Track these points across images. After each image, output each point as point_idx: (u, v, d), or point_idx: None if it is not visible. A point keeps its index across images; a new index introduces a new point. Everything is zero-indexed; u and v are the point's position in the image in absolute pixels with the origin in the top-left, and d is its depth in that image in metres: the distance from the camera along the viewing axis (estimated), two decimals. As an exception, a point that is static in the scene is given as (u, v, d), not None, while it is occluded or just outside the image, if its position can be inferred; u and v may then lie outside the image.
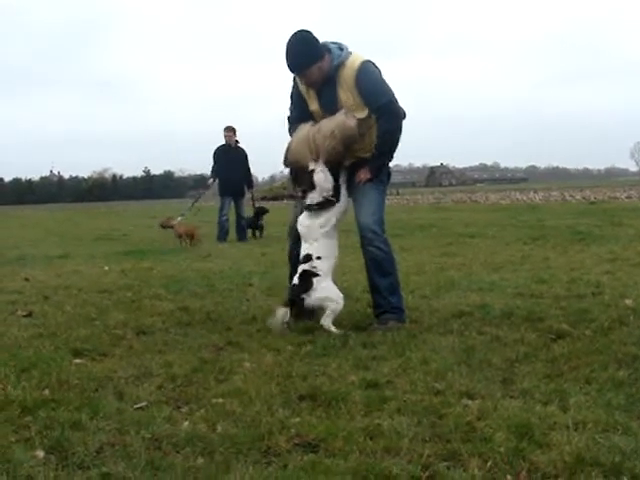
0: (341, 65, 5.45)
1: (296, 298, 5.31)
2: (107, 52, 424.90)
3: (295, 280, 5.41)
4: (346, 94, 5.44)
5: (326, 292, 5.32)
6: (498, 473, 2.70)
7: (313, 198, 5.49)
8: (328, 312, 5.26)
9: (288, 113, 5.88)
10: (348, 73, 5.42)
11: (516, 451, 2.84)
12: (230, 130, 16.04)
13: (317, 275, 5.34)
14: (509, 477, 2.65)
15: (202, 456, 2.95)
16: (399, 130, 5.55)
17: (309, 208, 5.51)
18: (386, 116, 5.45)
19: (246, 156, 16.19)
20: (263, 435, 3.12)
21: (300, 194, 5.65)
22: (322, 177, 5.45)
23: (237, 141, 16.07)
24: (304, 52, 5.39)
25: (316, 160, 5.46)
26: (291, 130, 5.73)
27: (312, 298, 5.29)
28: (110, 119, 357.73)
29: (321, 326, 5.23)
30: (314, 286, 5.30)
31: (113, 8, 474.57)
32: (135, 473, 2.78)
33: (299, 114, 5.73)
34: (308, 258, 5.43)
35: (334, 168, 5.55)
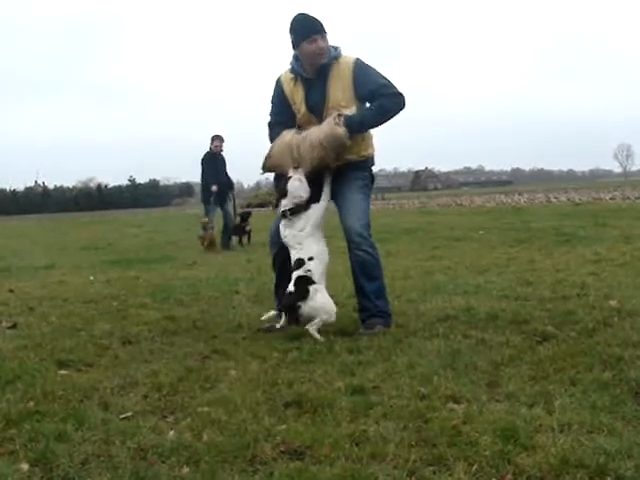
0: (334, 60, 5.53)
1: (292, 305, 5.28)
2: (93, 61, 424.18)
3: (290, 287, 5.37)
4: (337, 88, 5.48)
5: (321, 303, 5.31)
6: (484, 477, 2.70)
7: (285, 205, 5.50)
8: (317, 320, 5.25)
9: (268, 118, 5.87)
10: (343, 67, 5.51)
11: (502, 454, 2.85)
12: (220, 140, 16.15)
13: (313, 282, 5.33)
14: (495, 480, 2.65)
15: (187, 465, 2.94)
16: (397, 111, 5.54)
17: (283, 215, 5.51)
18: (387, 97, 5.48)
19: (225, 162, 16.28)
20: (249, 443, 3.11)
21: (275, 202, 5.67)
22: (297, 185, 5.46)
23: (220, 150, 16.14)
24: (318, 19, 5.55)
25: (296, 168, 5.46)
26: (271, 135, 5.73)
27: (308, 306, 5.25)
28: (96, 128, 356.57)
29: (306, 331, 5.22)
30: (310, 294, 5.28)
31: (100, 18, 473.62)
32: (120, 484, 2.76)
33: (280, 119, 5.74)
34: (300, 263, 5.41)
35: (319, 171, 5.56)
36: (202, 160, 16.09)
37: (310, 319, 5.29)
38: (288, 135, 5.57)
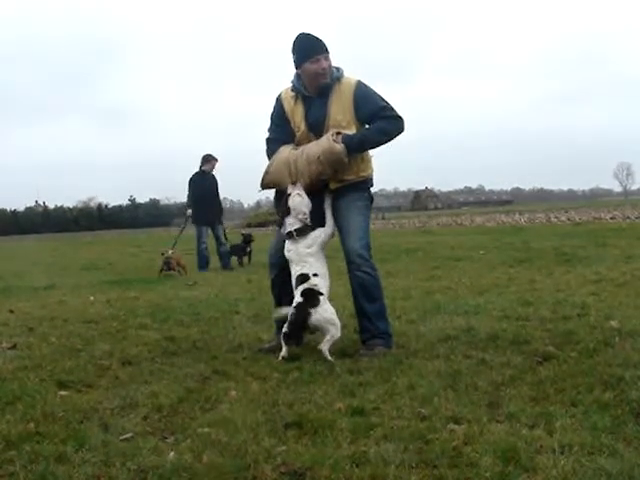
0: (337, 81, 5.56)
1: (302, 316, 5.22)
2: (94, 83, 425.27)
3: (298, 299, 5.31)
4: (337, 109, 5.50)
5: (330, 314, 5.28)
6: (485, 498, 2.69)
7: (291, 224, 5.48)
8: (328, 338, 5.21)
9: (267, 135, 5.89)
10: (344, 88, 5.53)
11: (502, 476, 2.84)
12: (215, 160, 16.01)
13: (321, 293, 5.31)
14: (496, 502, 2.64)
15: (188, 487, 2.93)
16: (396, 134, 5.55)
17: (289, 235, 5.50)
18: (387, 119, 5.50)
19: (217, 184, 16.11)
20: (249, 464, 3.11)
21: (279, 219, 5.65)
22: (298, 200, 5.45)
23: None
24: (320, 39, 5.56)
25: (294, 184, 5.47)
26: (269, 152, 5.73)
27: (319, 315, 5.20)
28: (97, 148, 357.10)
29: (319, 351, 5.19)
30: (321, 303, 5.25)
31: (99, 42, 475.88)
32: (120, 506, 2.75)
33: (279, 136, 5.75)
34: (305, 278, 5.36)
35: (318, 192, 5.57)
36: (190, 180, 15.93)
37: (318, 329, 5.28)
38: (285, 151, 5.58)
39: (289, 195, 5.48)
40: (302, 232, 5.46)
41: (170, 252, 14.80)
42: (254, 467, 3.08)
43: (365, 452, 3.20)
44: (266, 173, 5.65)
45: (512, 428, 3.43)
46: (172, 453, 3.30)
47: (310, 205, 5.49)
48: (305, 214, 5.45)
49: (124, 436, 3.61)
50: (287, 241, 5.53)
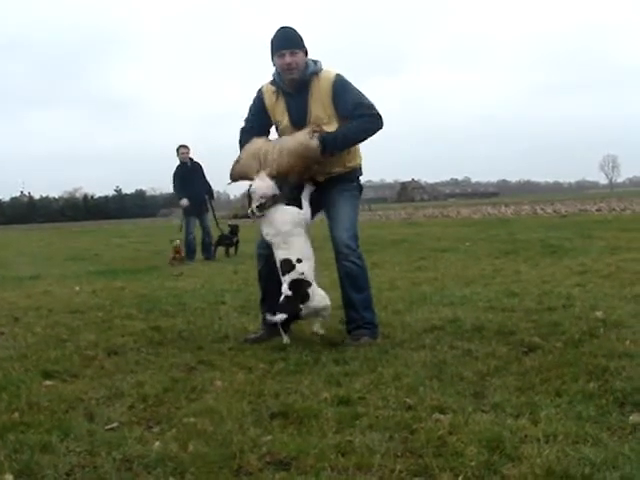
0: (314, 76, 5.49)
1: (294, 309, 5.29)
2: (80, 74, 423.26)
3: (286, 291, 5.34)
4: (317, 105, 5.45)
5: (318, 302, 5.36)
6: (470, 487, 2.70)
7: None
8: (321, 320, 5.46)
9: (243, 124, 5.86)
10: (323, 84, 5.46)
11: (487, 465, 2.85)
12: (185, 147, 15.93)
13: (310, 284, 5.33)
14: (480, 491, 2.65)
15: (173, 476, 2.92)
16: (373, 132, 5.49)
17: (249, 215, 5.50)
18: (366, 117, 5.43)
19: (202, 169, 16.07)
20: (235, 454, 3.11)
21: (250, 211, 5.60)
22: (258, 184, 5.40)
23: (191, 158, 15.96)
24: (298, 34, 5.52)
25: (258, 172, 5.43)
26: (242, 141, 5.70)
27: (310, 308, 5.33)
28: (82, 139, 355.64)
29: (316, 334, 5.50)
30: (310, 297, 5.31)
31: (83, 33, 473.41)
32: (105, 495, 2.75)
33: (254, 128, 5.73)
34: (288, 264, 5.36)
35: (299, 185, 5.58)
36: (174, 174, 15.88)
37: (309, 317, 5.49)
38: (258, 143, 5.54)
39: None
40: (261, 208, 5.44)
41: (177, 242, 15.03)
42: (240, 457, 3.08)
43: (351, 441, 3.20)
44: (236, 162, 5.60)
45: (497, 418, 3.45)
46: (157, 443, 3.30)
47: (275, 188, 5.41)
48: (267, 194, 5.39)
49: (109, 426, 3.60)
50: (263, 225, 5.53)
